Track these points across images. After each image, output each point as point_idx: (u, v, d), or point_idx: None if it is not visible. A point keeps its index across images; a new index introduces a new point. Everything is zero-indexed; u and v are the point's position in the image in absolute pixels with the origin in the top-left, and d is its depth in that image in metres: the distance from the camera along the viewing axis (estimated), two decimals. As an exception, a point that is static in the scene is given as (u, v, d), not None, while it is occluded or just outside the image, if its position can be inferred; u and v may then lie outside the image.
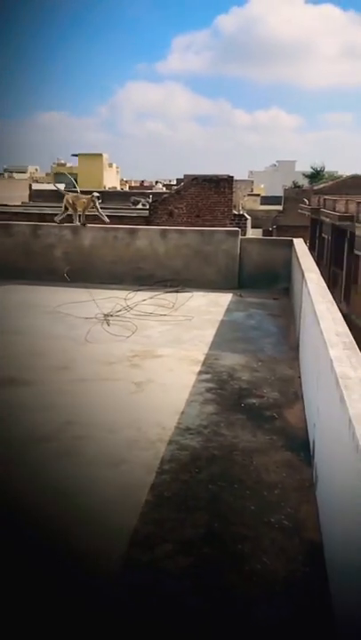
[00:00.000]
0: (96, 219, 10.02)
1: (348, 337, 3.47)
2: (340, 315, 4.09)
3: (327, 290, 5.11)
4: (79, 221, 9.85)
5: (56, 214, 10.24)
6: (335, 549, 2.54)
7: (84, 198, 9.94)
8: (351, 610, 2.06)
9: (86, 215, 9.83)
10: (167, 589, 2.58)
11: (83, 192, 12.21)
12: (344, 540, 2.30)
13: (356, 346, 3.30)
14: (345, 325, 3.76)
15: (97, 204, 9.78)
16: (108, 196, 30.47)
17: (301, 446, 3.95)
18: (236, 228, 10.18)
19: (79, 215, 9.84)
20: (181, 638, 2.34)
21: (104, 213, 9.98)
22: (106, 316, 7.39)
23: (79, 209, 9.80)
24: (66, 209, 9.93)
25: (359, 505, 1.96)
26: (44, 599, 2.50)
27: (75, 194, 10.38)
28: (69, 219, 10.03)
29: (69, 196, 10.04)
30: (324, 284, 5.41)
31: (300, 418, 4.44)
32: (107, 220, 10.01)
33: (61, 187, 20.32)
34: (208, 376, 5.39)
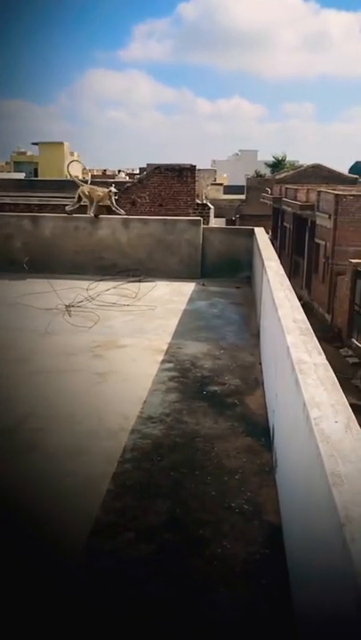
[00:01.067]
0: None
1: (305, 323, 3.54)
2: (297, 302, 4.16)
3: (286, 278, 5.18)
4: (92, 213, 9.67)
5: (17, 204, 10.02)
6: (293, 530, 2.61)
7: (100, 191, 9.72)
8: (308, 588, 2.11)
9: (100, 207, 9.71)
10: (130, 576, 2.60)
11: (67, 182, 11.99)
12: (301, 520, 2.36)
13: (312, 332, 3.36)
14: (302, 312, 3.83)
15: (113, 198, 9.66)
16: (69, 185, 30.03)
17: (262, 432, 4.01)
18: (199, 218, 10.19)
19: (93, 207, 9.66)
20: (144, 624, 2.36)
21: (118, 207, 9.94)
22: (67, 306, 7.30)
23: (95, 201, 9.57)
24: (79, 200, 9.69)
25: (314, 486, 2.00)
26: (6, 587, 2.48)
27: (90, 186, 10.13)
28: (81, 210, 9.86)
29: (85, 188, 9.81)
30: (283, 273, 5.48)
31: (260, 404, 4.51)
32: (123, 212, 9.97)
33: (21, 175, 19.88)
34: (171, 365, 5.40)
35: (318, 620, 1.89)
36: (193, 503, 3.16)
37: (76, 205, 9.79)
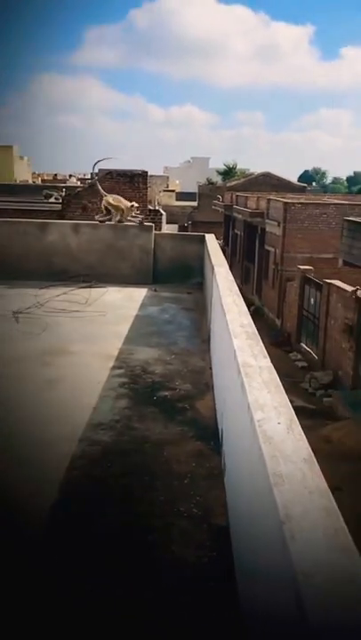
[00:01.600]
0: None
1: (252, 327, 3.60)
2: (245, 307, 4.24)
3: (235, 283, 5.26)
4: (116, 220, 9.56)
5: None
6: (239, 532, 2.64)
7: (123, 205, 9.55)
8: (253, 588, 2.15)
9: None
10: (80, 584, 2.56)
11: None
12: (246, 521, 2.39)
13: (258, 336, 3.43)
14: (249, 317, 3.90)
15: (134, 212, 9.67)
16: (18, 189, 29.41)
17: (211, 435, 4.05)
18: (150, 224, 10.21)
19: (119, 216, 9.53)
20: (94, 634, 2.33)
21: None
22: (15, 313, 7.14)
23: (122, 211, 9.49)
24: (108, 211, 9.60)
25: (258, 487, 2.04)
26: None
27: (113, 195, 9.95)
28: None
29: (109, 198, 9.63)
30: (232, 278, 5.57)
31: (210, 408, 4.55)
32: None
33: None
34: (121, 371, 5.38)
35: (263, 618, 1.92)
36: (142, 509, 3.15)
37: (107, 216, 9.71)
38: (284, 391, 2.51)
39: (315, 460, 1.87)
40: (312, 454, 1.90)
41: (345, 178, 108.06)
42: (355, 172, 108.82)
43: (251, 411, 2.28)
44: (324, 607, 1.24)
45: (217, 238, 10.27)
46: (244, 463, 2.49)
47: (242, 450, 2.60)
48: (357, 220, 15.04)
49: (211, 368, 5.43)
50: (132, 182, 17.73)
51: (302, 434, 2.07)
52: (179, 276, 9.57)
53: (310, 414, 14.03)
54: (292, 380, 16.68)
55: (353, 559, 1.38)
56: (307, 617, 1.22)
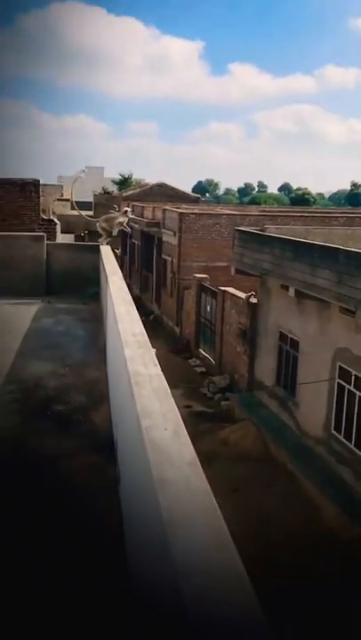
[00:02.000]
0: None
1: (143, 336, 3.65)
2: (137, 316, 4.28)
3: (128, 292, 5.29)
4: (105, 243, 9.18)
5: None
6: (133, 539, 2.65)
7: (118, 219, 9.24)
8: (145, 592, 2.16)
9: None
10: None
11: None
12: (139, 529, 2.41)
13: (149, 345, 3.48)
14: (141, 326, 3.95)
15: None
16: None
17: (106, 446, 4.03)
18: (42, 233, 9.97)
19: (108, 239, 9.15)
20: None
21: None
22: None
23: (113, 230, 9.16)
24: (107, 233, 9.30)
25: (146, 493, 2.07)
26: None
27: (105, 217, 9.29)
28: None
29: (101, 223, 9.32)
30: (126, 288, 5.60)
31: (105, 419, 4.53)
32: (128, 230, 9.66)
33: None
34: (12, 387, 5.18)
35: (150, 614, 1.95)
36: (36, 525, 3.06)
37: (108, 238, 9.46)
38: (172, 398, 2.57)
39: (199, 463, 1.94)
40: (196, 458, 1.97)
41: (236, 189, 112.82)
42: (245, 184, 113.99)
43: (139, 418, 2.31)
44: (203, 602, 1.30)
45: (115, 248, 10.29)
46: (135, 470, 2.51)
47: (132, 458, 2.62)
48: (247, 229, 15.78)
49: (106, 378, 5.40)
50: (24, 191, 17.17)
51: (188, 438, 2.14)
52: (74, 286, 9.43)
53: (209, 418, 14.42)
54: (191, 386, 17.05)
55: (231, 557, 1.45)
56: (186, 611, 1.27)
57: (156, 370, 2.95)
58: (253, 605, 1.28)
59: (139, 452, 2.29)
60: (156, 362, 3.13)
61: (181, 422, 2.29)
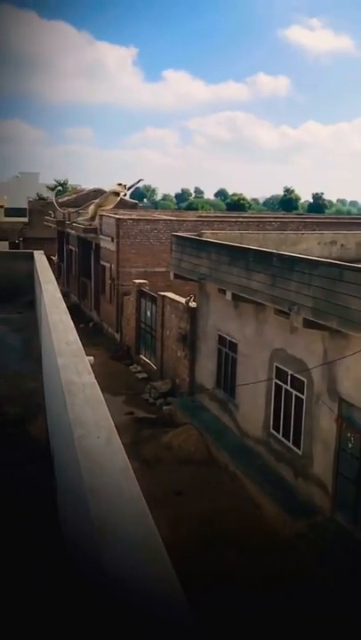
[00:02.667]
0: None
1: (77, 345, 3.62)
2: (72, 324, 4.23)
3: (62, 301, 5.23)
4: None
5: None
6: (71, 548, 2.62)
7: (109, 199, 8.28)
8: (82, 593, 2.15)
9: None
10: None
11: None
12: (74, 538, 2.39)
13: (83, 353, 3.46)
14: (75, 334, 3.91)
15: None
16: None
17: (43, 456, 3.95)
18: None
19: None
20: None
21: None
22: None
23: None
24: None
25: (79, 501, 2.05)
26: None
27: (94, 202, 8.50)
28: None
29: (93, 207, 8.45)
30: (60, 296, 5.53)
31: (42, 429, 4.44)
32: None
33: None
34: None
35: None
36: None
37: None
38: (105, 406, 2.57)
39: (131, 470, 1.95)
40: (128, 464, 1.98)
41: (174, 195, 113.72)
42: (182, 190, 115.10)
43: (72, 428, 2.30)
44: (136, 605, 1.31)
45: (51, 254, 10.07)
46: (69, 480, 2.48)
47: (67, 467, 2.59)
48: (185, 235, 15.94)
49: (43, 388, 5.30)
50: None
51: (121, 445, 2.14)
52: (8, 295, 9.19)
53: (152, 423, 14.41)
54: (133, 392, 16.98)
55: (161, 560, 1.47)
56: (118, 617, 1.28)
57: (89, 378, 2.94)
58: (181, 600, 1.31)
59: (72, 462, 2.27)
60: (90, 370, 3.11)
61: (114, 430, 2.29)
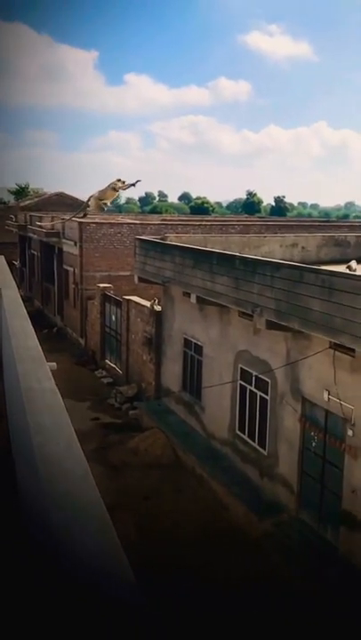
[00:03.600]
0: None
1: (37, 350, 3.56)
2: (32, 330, 4.17)
3: (22, 306, 5.14)
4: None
5: None
6: (33, 555, 2.58)
7: (108, 192, 8.53)
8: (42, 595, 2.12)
9: None
10: None
11: None
12: (37, 545, 2.35)
13: (43, 360, 3.41)
14: (36, 340, 3.85)
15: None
16: None
17: (4, 464, 3.87)
18: None
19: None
20: None
21: None
22: None
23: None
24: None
25: (41, 510, 2.02)
26: None
27: (94, 196, 8.65)
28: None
29: (93, 201, 8.68)
30: (20, 301, 5.44)
31: (4, 438, 4.35)
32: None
33: None
34: None
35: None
36: None
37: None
38: (66, 412, 2.53)
39: (91, 476, 1.93)
40: (89, 471, 1.96)
41: (137, 198, 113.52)
42: (146, 193, 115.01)
43: (32, 435, 2.26)
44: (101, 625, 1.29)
45: (13, 259, 9.89)
46: (30, 488, 2.44)
47: (28, 475, 2.55)
48: (148, 238, 15.93)
49: (4, 396, 5.20)
50: None
51: (81, 452, 2.12)
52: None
53: (118, 428, 14.33)
54: (99, 398, 16.84)
55: (124, 570, 1.46)
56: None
57: (49, 384, 2.90)
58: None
59: (33, 469, 2.23)
60: (51, 376, 3.07)
61: (74, 436, 2.26)
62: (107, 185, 8.82)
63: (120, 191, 9.01)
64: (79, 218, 9.05)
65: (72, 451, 2.11)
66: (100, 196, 8.89)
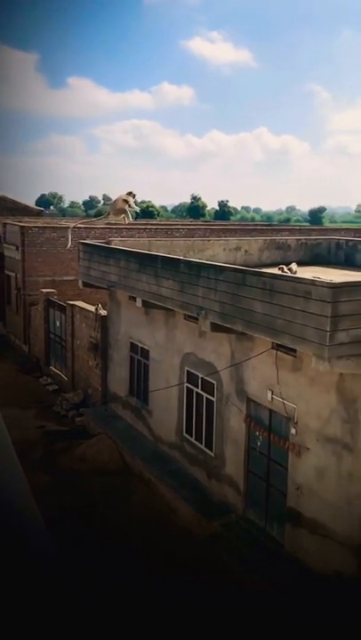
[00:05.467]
0: None
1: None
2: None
3: None
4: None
5: None
6: None
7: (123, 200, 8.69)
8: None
9: None
10: None
11: None
12: None
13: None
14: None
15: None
16: None
17: None
18: None
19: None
20: None
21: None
22: None
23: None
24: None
25: None
26: None
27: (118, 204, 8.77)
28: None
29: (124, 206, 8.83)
30: None
31: None
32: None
33: None
34: None
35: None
36: None
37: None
38: (2, 421, 2.46)
39: (27, 484, 1.88)
40: (25, 479, 1.91)
41: (82, 202, 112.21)
42: (90, 197, 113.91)
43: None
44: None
45: None
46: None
47: None
48: (92, 242, 15.76)
49: None
50: None
51: (17, 460, 2.06)
52: None
53: (65, 436, 14.07)
54: (44, 405, 16.47)
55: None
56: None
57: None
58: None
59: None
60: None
61: (10, 444, 2.20)
62: (118, 197, 9.45)
63: (131, 201, 9.59)
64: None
65: (7, 459, 2.05)
66: (118, 206, 9.52)
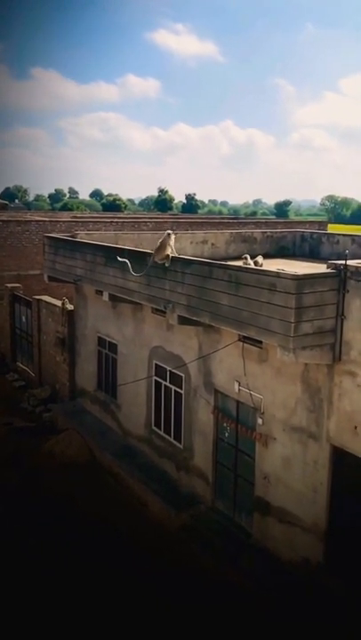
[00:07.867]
0: None
1: None
2: None
3: None
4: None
5: None
6: None
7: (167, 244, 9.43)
8: None
9: None
10: None
11: None
12: None
13: None
14: None
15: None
16: None
17: None
18: None
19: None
20: None
21: None
22: None
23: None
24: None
25: None
26: None
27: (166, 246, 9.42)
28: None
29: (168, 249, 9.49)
30: None
31: None
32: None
33: None
34: None
35: None
36: None
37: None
38: None
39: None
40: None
41: (47, 195, 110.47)
42: (56, 190, 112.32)
43: None
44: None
45: None
46: None
47: None
48: (58, 236, 15.54)
49: None
50: None
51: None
52: None
53: (32, 432, 13.90)
54: (11, 402, 16.23)
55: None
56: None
57: None
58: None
59: None
60: None
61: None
62: (162, 242, 9.66)
63: (172, 243, 9.74)
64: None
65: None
66: (157, 255, 9.69)
